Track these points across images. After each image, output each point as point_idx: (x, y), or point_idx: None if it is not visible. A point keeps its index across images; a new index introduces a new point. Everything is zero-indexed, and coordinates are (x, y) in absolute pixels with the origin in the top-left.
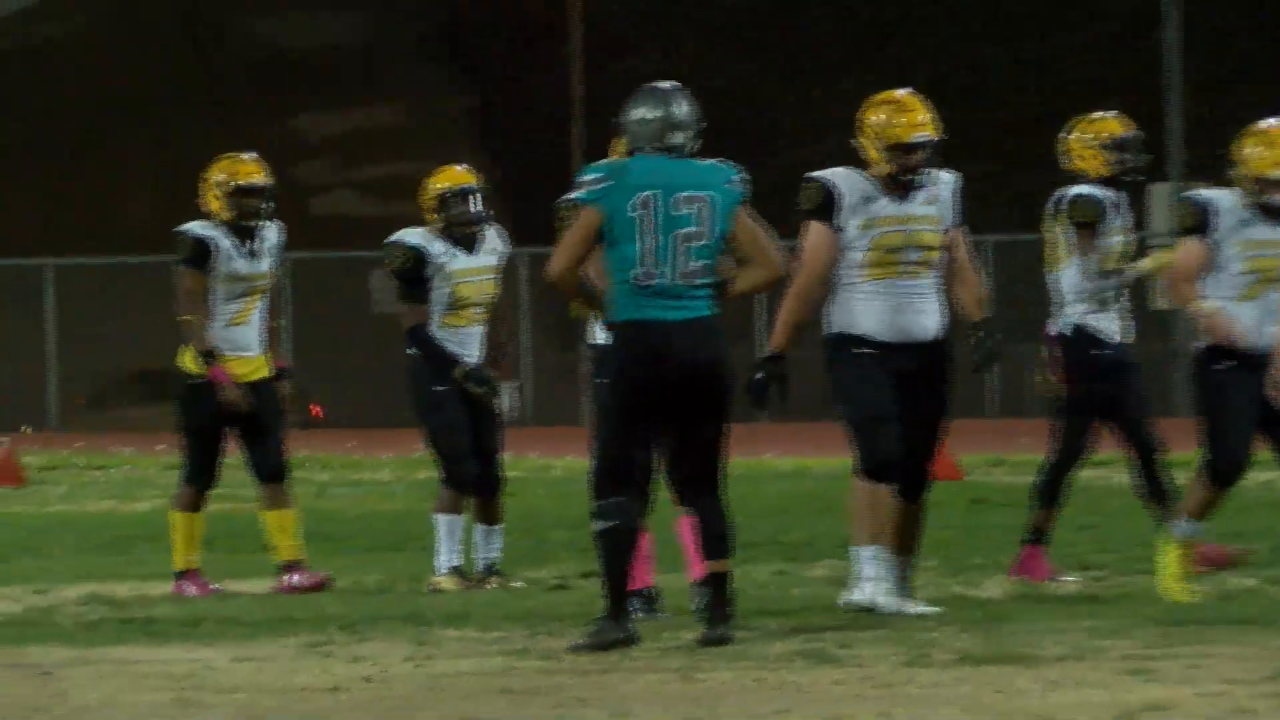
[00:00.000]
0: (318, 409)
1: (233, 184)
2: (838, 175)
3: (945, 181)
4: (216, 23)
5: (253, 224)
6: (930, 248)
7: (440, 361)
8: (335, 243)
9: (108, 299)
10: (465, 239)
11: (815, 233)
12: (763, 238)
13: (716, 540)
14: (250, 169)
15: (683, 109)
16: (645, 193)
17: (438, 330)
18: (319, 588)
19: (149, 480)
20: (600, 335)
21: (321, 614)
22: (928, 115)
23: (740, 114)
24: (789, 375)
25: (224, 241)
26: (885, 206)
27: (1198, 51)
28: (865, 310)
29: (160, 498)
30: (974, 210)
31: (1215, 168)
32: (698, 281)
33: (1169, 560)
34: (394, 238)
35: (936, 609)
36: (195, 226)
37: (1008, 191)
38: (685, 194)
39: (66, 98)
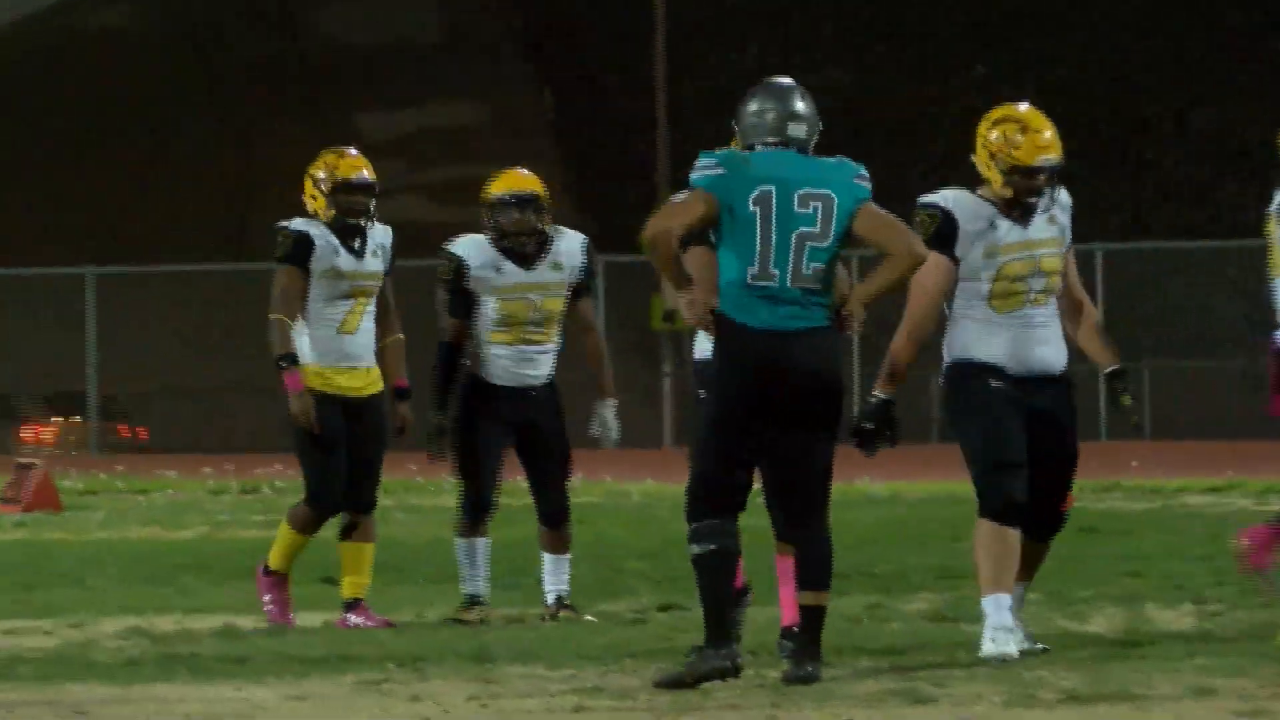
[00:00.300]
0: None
1: (335, 179)
2: (956, 201)
3: (1063, 203)
4: (279, 13)
5: (357, 222)
6: (1053, 273)
7: (438, 388)
8: (402, 251)
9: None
10: (519, 251)
11: (932, 263)
12: (894, 226)
13: (818, 569)
14: (354, 163)
15: (802, 104)
16: (764, 186)
17: (489, 348)
18: (386, 626)
19: (195, 504)
20: (706, 347)
21: (380, 650)
22: (1051, 135)
23: (835, 118)
24: (899, 420)
25: (326, 238)
26: (1008, 232)
27: None
28: (990, 341)
29: (205, 524)
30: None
31: None
32: (815, 286)
33: None
34: (449, 244)
35: (1041, 646)
36: (297, 221)
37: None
38: (806, 190)
39: (105, 90)
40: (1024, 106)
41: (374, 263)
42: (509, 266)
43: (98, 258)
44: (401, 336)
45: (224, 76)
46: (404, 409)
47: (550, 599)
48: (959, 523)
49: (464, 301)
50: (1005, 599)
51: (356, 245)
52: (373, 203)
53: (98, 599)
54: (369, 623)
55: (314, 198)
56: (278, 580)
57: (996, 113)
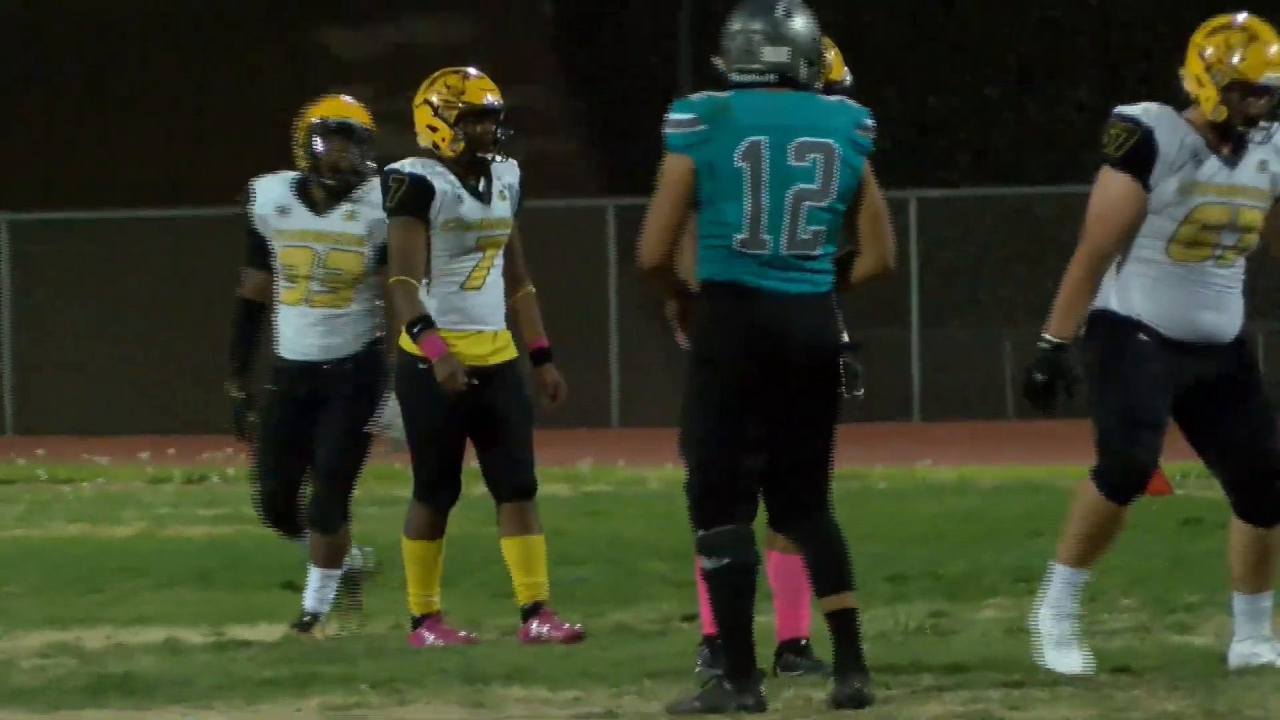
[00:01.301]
0: None
1: (459, 105)
2: (1160, 119)
3: (1277, 145)
4: None
5: (486, 157)
6: (1251, 229)
7: (233, 353)
8: None
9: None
10: (326, 190)
11: (1121, 186)
12: (885, 215)
13: (837, 568)
14: (481, 84)
15: (792, 21)
16: (753, 137)
17: (282, 309)
18: (575, 639)
19: (130, 497)
20: None
21: (351, 669)
22: None
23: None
24: (1076, 370)
25: (447, 181)
26: (1215, 170)
27: None
28: (1155, 295)
29: (142, 520)
30: None
31: None
32: (814, 253)
33: None
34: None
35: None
36: (409, 163)
37: None
38: (803, 139)
39: (31, 14)
40: (1244, 16)
41: (502, 207)
42: (298, 207)
43: (13, 203)
44: (533, 289)
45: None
46: (550, 373)
47: (302, 618)
48: (1039, 515)
49: (260, 247)
50: (1081, 576)
51: (482, 188)
52: (499, 133)
53: (15, 610)
54: (556, 633)
55: (433, 129)
56: (431, 623)
57: (1215, 21)
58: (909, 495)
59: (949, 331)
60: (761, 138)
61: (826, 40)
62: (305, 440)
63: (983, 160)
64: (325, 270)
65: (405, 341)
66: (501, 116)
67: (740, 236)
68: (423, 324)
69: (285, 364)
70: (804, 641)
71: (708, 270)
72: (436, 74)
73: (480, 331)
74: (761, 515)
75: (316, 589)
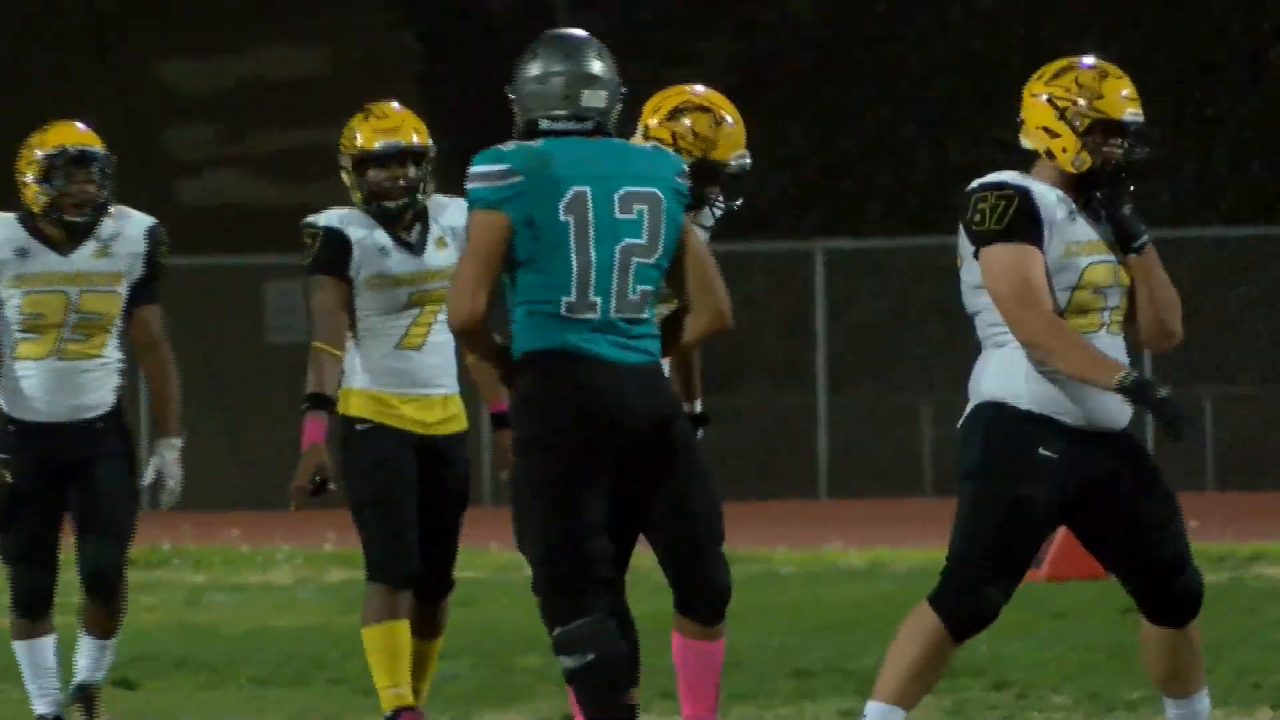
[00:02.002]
0: None
1: (354, 152)
2: (1026, 179)
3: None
4: None
5: (399, 205)
6: (1125, 285)
7: None
8: (217, 242)
9: None
10: (63, 231)
11: (1023, 255)
12: (713, 269)
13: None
14: (383, 125)
15: (600, 62)
16: (577, 188)
17: (15, 365)
18: None
19: None
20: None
21: None
22: (1133, 91)
23: (802, 58)
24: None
25: (367, 233)
26: (1086, 227)
27: None
28: (1053, 377)
29: None
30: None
31: None
32: (644, 316)
33: None
34: None
35: None
36: (326, 216)
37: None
38: (628, 189)
39: None
40: (1091, 57)
41: (441, 256)
42: (38, 249)
43: None
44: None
45: None
46: (502, 439)
47: (73, 685)
48: None
49: None
50: (897, 718)
51: (414, 237)
52: (420, 175)
53: None
54: None
55: (346, 174)
56: (409, 718)
57: (1054, 65)
58: (816, 580)
59: (859, 398)
60: (585, 188)
61: (726, 104)
62: (59, 510)
63: (898, 206)
64: (79, 315)
65: (346, 404)
66: (418, 158)
67: (568, 299)
68: (311, 403)
69: (26, 427)
70: None
71: (531, 340)
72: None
73: (426, 395)
74: (668, 599)
75: (95, 658)
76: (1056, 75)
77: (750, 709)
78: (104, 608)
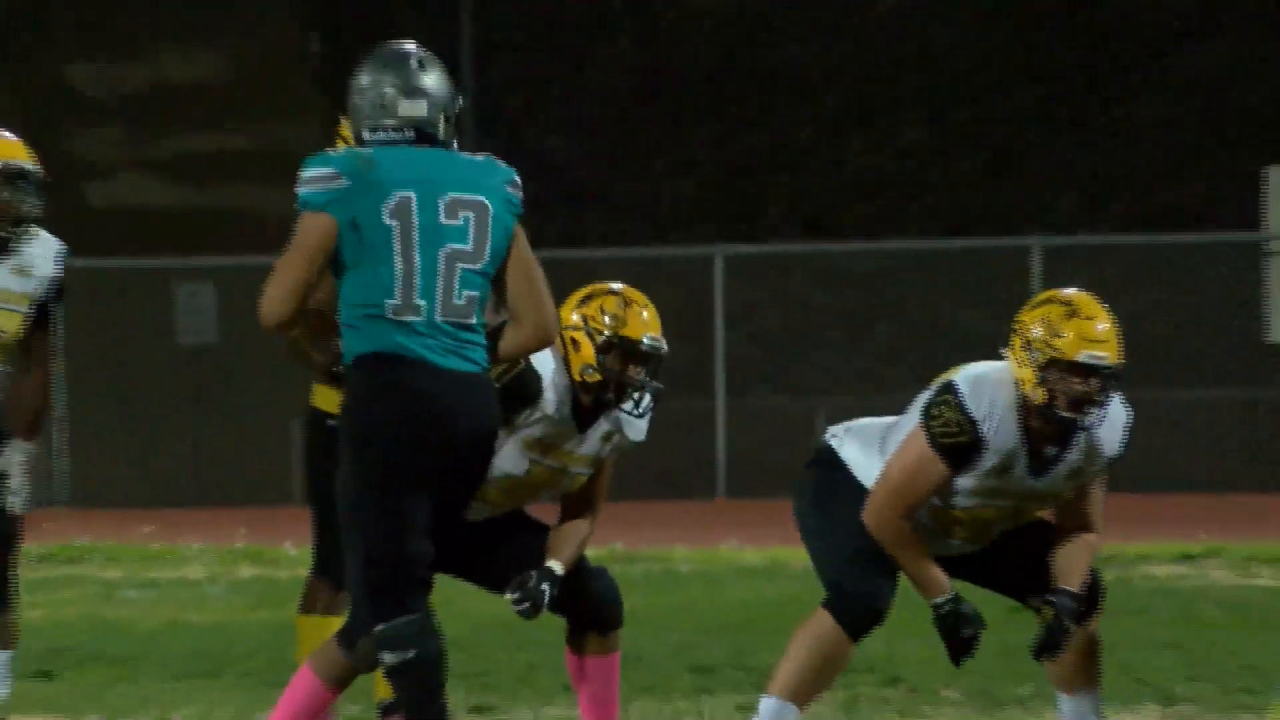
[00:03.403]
0: None
1: None
2: (1000, 429)
3: (1104, 447)
4: None
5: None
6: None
7: None
8: (124, 245)
9: None
10: None
11: (933, 471)
12: (540, 281)
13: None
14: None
15: (428, 76)
16: (402, 192)
17: None
18: None
19: None
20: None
21: None
22: (1110, 326)
23: (716, 65)
24: (976, 609)
25: None
26: (1020, 476)
27: None
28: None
29: None
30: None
31: None
32: (469, 321)
33: None
34: None
35: None
36: None
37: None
38: (454, 196)
39: None
40: (1073, 290)
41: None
42: None
43: None
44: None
45: None
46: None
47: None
48: None
49: None
50: (791, 714)
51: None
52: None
53: None
54: None
55: None
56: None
57: (1042, 295)
58: (714, 579)
59: (758, 401)
60: (410, 193)
61: (640, 298)
62: None
63: (795, 212)
64: None
65: (321, 399)
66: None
67: (392, 302)
68: None
69: None
70: None
71: (358, 343)
72: None
73: None
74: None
75: (5, 679)
76: (1035, 306)
77: (650, 703)
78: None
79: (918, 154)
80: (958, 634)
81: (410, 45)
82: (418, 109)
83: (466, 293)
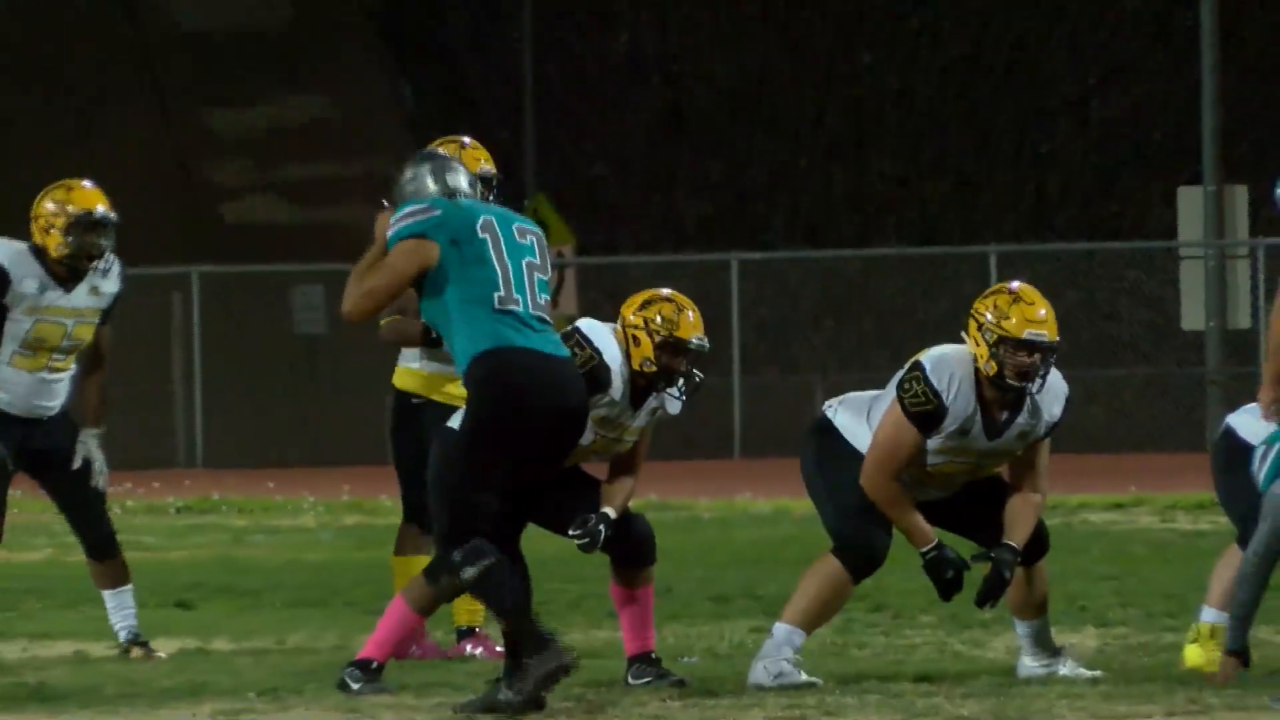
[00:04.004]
0: None
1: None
2: (958, 396)
3: (1056, 400)
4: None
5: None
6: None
7: None
8: (251, 254)
9: None
10: (68, 271)
11: (907, 435)
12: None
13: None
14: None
15: (458, 164)
16: (485, 216)
17: (5, 369)
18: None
19: (40, 526)
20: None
21: (239, 680)
22: (1048, 311)
23: (716, 107)
24: (960, 557)
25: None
26: (975, 436)
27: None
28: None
29: (50, 546)
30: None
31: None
32: (548, 318)
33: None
34: None
35: (1095, 671)
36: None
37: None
38: (520, 224)
39: None
40: (1019, 283)
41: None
42: (50, 285)
43: None
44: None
45: (60, 63)
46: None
47: (123, 637)
48: None
49: None
50: (800, 639)
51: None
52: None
53: None
54: (488, 655)
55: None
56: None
57: (994, 287)
58: (730, 524)
59: (766, 378)
60: (490, 217)
61: (688, 304)
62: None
63: (795, 224)
64: (71, 342)
65: (401, 380)
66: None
67: (499, 294)
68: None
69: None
70: (653, 654)
71: (472, 340)
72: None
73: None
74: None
75: (130, 608)
76: (987, 295)
77: (679, 626)
78: (105, 565)
79: (894, 178)
80: (943, 576)
81: (444, 152)
82: (459, 180)
83: (543, 296)
